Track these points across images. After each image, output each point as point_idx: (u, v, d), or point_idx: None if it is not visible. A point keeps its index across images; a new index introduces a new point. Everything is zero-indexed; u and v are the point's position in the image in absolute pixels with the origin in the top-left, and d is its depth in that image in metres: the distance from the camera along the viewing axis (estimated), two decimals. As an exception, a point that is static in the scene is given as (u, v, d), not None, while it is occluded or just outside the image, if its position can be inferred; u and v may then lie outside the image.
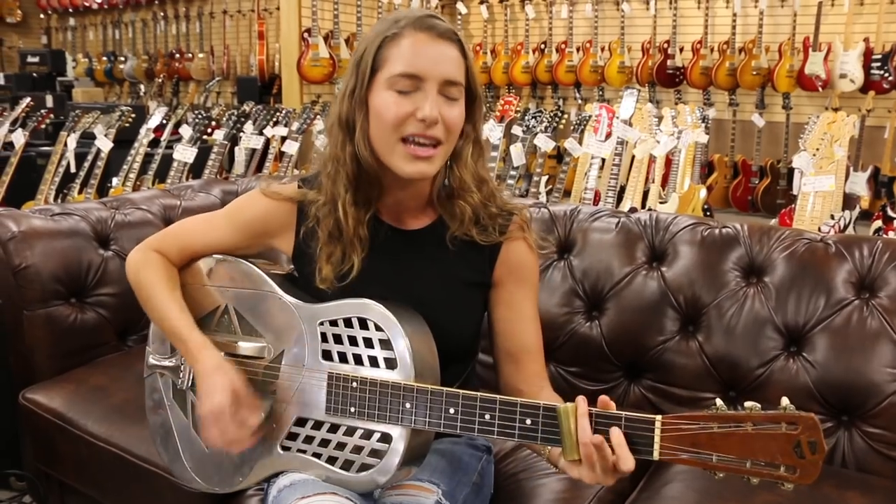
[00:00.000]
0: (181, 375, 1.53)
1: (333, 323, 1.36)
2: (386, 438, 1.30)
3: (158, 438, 1.59)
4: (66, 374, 2.11)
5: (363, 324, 1.33)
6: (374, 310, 1.32)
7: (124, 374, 2.08)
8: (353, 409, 1.32)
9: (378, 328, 1.32)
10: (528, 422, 1.20)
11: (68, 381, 2.07)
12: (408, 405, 1.27)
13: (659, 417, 1.12)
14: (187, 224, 1.60)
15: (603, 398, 1.18)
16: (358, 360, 1.33)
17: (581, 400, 1.17)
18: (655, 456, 1.12)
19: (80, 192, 4.99)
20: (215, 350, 1.43)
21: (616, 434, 1.14)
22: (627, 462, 1.13)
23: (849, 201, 4.92)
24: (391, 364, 1.30)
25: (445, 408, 1.25)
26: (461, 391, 1.25)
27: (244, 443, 1.38)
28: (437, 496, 1.39)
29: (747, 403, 1.09)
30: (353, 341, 1.34)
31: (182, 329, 1.45)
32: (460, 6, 8.17)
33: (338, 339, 1.36)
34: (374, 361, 1.32)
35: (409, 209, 1.46)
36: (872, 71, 6.29)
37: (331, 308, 1.37)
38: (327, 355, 1.36)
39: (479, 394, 1.24)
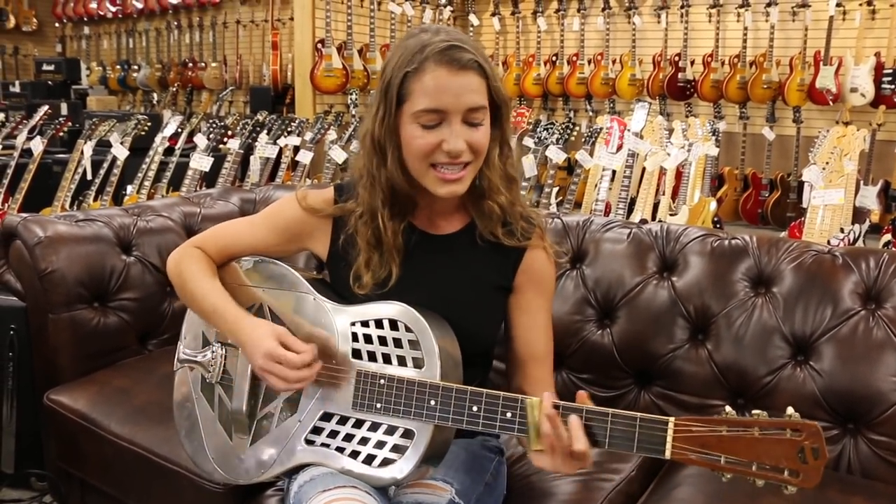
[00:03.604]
0: (210, 369, 1.59)
1: (365, 324, 1.43)
2: (409, 434, 1.36)
3: (183, 431, 1.64)
4: (89, 376, 2.16)
5: (394, 325, 1.41)
6: (404, 312, 1.40)
7: (146, 376, 2.13)
8: (379, 406, 1.38)
9: (408, 329, 1.39)
10: None
11: (91, 382, 2.13)
12: (433, 402, 1.33)
13: (672, 419, 1.18)
14: (226, 226, 1.67)
15: (580, 394, 1.27)
16: (387, 359, 1.40)
17: (546, 395, 1.27)
18: (667, 455, 1.18)
19: (95, 200, 5.03)
20: (252, 316, 1.49)
21: (573, 420, 1.23)
22: (578, 442, 1.22)
23: (859, 215, 4.93)
24: (419, 363, 1.37)
25: (469, 406, 1.31)
26: (485, 390, 1.31)
27: (307, 378, 1.41)
28: (451, 495, 1.43)
29: (754, 411, 1.15)
30: (382, 341, 1.41)
31: (220, 305, 1.52)
32: (472, 18, 8.23)
33: (368, 340, 1.42)
34: (402, 361, 1.39)
35: (441, 213, 1.53)
36: (883, 85, 6.30)
37: (362, 309, 1.45)
38: (357, 354, 1.43)
39: (501, 392, 1.31)
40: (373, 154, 1.44)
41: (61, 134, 5.43)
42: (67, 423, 2.04)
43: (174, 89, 9.41)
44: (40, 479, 2.42)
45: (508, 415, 1.29)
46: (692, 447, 1.16)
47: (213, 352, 1.60)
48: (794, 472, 1.12)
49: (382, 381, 1.38)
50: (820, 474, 1.11)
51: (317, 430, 1.45)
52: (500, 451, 1.63)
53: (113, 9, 10.00)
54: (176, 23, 9.51)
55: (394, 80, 1.37)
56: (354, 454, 1.40)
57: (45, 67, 9.25)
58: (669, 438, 1.17)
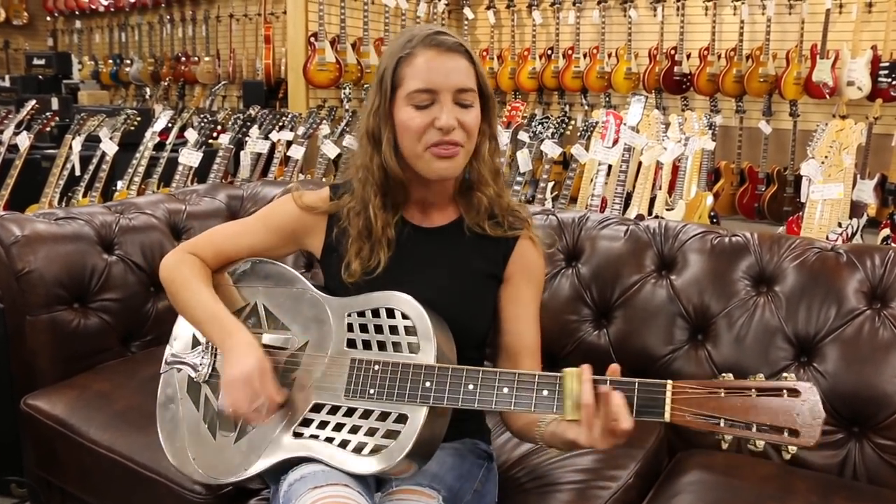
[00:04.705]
0: (199, 369, 1.57)
1: (361, 314, 1.44)
2: (402, 419, 1.33)
3: (165, 433, 1.59)
4: (68, 380, 2.09)
5: (390, 313, 1.41)
6: (400, 299, 1.41)
7: (127, 380, 2.06)
8: (372, 391, 1.36)
9: (405, 316, 1.39)
10: (545, 392, 1.26)
11: (71, 387, 2.05)
12: (427, 384, 1.32)
13: (670, 381, 1.19)
14: (221, 228, 1.69)
15: (613, 366, 1.24)
16: (382, 346, 1.40)
17: (586, 367, 1.24)
18: (666, 417, 1.18)
19: (84, 196, 4.97)
20: (249, 333, 1.48)
21: (617, 396, 1.20)
22: (626, 421, 1.19)
23: (856, 209, 4.89)
24: (414, 349, 1.36)
25: (465, 384, 1.31)
26: (480, 368, 1.32)
27: (265, 414, 1.42)
28: (438, 502, 1.40)
29: (751, 375, 1.17)
30: (378, 330, 1.41)
31: (217, 312, 1.51)
32: (467, 11, 8.17)
33: (363, 329, 1.43)
34: (397, 347, 1.38)
35: (433, 206, 1.57)
36: (880, 79, 6.28)
37: (359, 300, 1.45)
38: (351, 344, 1.42)
39: (497, 369, 1.31)
40: (368, 146, 1.49)
41: (49, 129, 5.36)
42: (45, 429, 1.97)
43: (166, 84, 9.33)
44: (20, 486, 2.36)
45: (505, 390, 1.28)
46: (691, 409, 1.16)
47: (203, 350, 1.58)
48: (793, 431, 1.12)
49: (377, 367, 1.36)
50: (819, 433, 1.11)
51: (306, 422, 1.41)
52: (490, 456, 1.59)
53: (105, 2, 9.89)
54: (169, 17, 9.41)
55: (387, 69, 1.45)
56: (344, 443, 1.36)
57: (35, 62, 9.21)
58: (668, 400, 1.18)
